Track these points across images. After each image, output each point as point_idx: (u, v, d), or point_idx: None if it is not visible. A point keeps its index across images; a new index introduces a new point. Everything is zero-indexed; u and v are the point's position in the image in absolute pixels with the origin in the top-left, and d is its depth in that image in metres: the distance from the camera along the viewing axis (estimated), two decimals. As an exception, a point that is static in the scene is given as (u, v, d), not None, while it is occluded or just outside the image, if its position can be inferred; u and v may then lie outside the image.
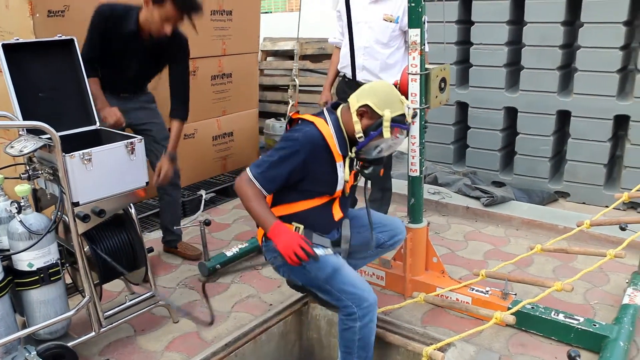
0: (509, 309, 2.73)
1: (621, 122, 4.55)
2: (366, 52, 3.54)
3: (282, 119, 5.87)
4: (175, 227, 3.57)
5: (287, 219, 2.38)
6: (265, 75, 6.88)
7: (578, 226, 3.09)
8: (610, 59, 4.33)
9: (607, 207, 3.51)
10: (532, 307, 2.76)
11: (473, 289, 2.95)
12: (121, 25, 3.05)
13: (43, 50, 2.73)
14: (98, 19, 3.07)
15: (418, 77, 2.86)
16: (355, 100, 2.36)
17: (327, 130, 2.35)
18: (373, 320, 2.38)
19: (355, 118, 2.33)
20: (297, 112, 2.56)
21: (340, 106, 2.47)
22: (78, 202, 2.40)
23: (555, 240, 3.12)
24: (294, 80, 3.44)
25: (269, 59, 7.04)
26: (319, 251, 2.36)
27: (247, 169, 2.34)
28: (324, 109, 2.46)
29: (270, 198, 2.45)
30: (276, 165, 2.31)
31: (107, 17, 3.05)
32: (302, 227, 2.41)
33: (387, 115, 2.29)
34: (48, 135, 2.36)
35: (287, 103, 6.67)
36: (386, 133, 2.31)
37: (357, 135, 2.34)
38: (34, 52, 2.70)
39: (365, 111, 2.33)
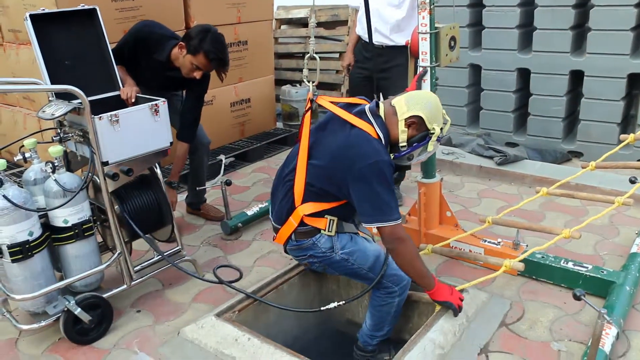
0: (519, 259, 2.84)
1: (635, 81, 4.57)
2: (376, 14, 3.60)
3: (297, 84, 5.96)
4: (198, 188, 3.72)
5: (319, 214, 2.32)
6: (280, 43, 6.95)
7: (583, 168, 3.16)
8: (624, 16, 4.34)
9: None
10: (542, 257, 2.87)
11: (485, 241, 3.06)
12: (151, 51, 3.19)
13: (67, 20, 2.83)
14: (134, 37, 3.23)
15: (428, 36, 2.93)
16: (406, 107, 2.27)
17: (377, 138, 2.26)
18: (407, 293, 2.51)
19: (403, 127, 2.26)
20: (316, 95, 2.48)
21: (382, 108, 2.33)
22: (107, 161, 2.55)
23: (560, 183, 3.18)
24: (314, 57, 3.39)
25: (283, 27, 7.09)
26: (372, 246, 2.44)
27: (378, 224, 2.19)
28: (367, 109, 2.31)
29: (301, 195, 2.31)
30: (392, 193, 2.21)
31: (141, 40, 3.20)
32: (335, 219, 2.33)
33: (438, 131, 2.28)
34: (77, 100, 2.50)
35: (301, 70, 6.77)
36: (431, 147, 2.30)
37: (401, 145, 2.28)
38: (59, 22, 2.80)
39: (415, 122, 2.26)
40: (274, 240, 2.49)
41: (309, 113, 2.44)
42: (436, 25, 2.95)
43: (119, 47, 3.23)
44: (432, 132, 2.29)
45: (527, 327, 2.55)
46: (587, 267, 2.76)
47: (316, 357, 2.39)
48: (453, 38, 3.06)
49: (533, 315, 2.63)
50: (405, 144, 2.28)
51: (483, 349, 2.41)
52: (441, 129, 2.32)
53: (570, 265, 2.79)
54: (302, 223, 2.33)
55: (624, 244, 3.24)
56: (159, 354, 2.48)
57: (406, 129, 2.27)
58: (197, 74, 3.12)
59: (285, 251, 2.53)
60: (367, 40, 3.59)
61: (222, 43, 3.10)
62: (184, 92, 3.50)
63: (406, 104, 2.28)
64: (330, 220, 2.32)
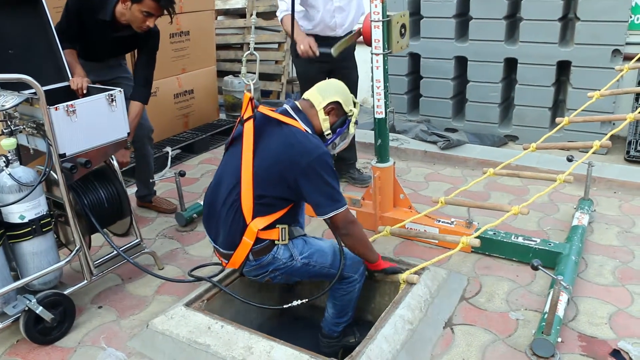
0: (473, 236, 2.98)
1: (563, 68, 4.86)
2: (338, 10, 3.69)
3: (239, 75, 5.91)
4: (151, 180, 3.65)
5: (271, 225, 2.28)
6: (217, 34, 6.84)
7: (524, 149, 3.34)
8: (552, 7, 4.60)
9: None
10: (494, 233, 3.03)
11: (439, 221, 3.19)
12: (95, 12, 3.07)
13: (10, 8, 2.71)
14: (73, 0, 3.09)
15: (380, 23, 3.01)
16: (321, 97, 2.37)
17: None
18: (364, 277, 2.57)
19: (323, 116, 2.36)
20: (253, 99, 2.35)
21: (298, 103, 2.41)
22: (65, 153, 2.46)
23: (504, 164, 3.36)
24: (253, 54, 3.29)
25: (220, 18, 7.00)
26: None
27: (332, 213, 2.23)
28: (287, 107, 2.37)
29: (251, 211, 2.24)
30: (337, 179, 2.30)
31: (83, 1, 3.07)
32: (286, 226, 2.32)
33: (356, 111, 2.44)
34: (28, 90, 2.40)
35: (240, 61, 6.71)
36: (352, 128, 2.46)
37: (326, 133, 2.37)
38: (1, 10, 2.68)
39: (334, 108, 2.38)
40: (225, 266, 2.42)
41: (251, 122, 2.31)
42: (387, 13, 3.04)
43: (64, 20, 3.10)
44: (350, 114, 2.43)
45: (486, 300, 2.69)
46: (535, 241, 2.94)
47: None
48: (403, 25, 3.17)
49: (489, 288, 2.78)
50: (329, 131, 2.39)
51: (447, 322, 2.53)
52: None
53: (520, 239, 2.97)
54: (257, 240, 2.27)
55: (564, 219, 3.47)
56: (128, 348, 2.44)
57: (327, 117, 2.37)
58: (150, 22, 3.01)
59: (241, 274, 2.46)
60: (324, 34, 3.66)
61: None
62: (135, 59, 3.41)
63: (320, 94, 2.39)
64: (282, 228, 2.30)
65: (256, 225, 2.25)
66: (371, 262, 2.54)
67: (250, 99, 2.33)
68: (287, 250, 2.33)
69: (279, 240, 2.30)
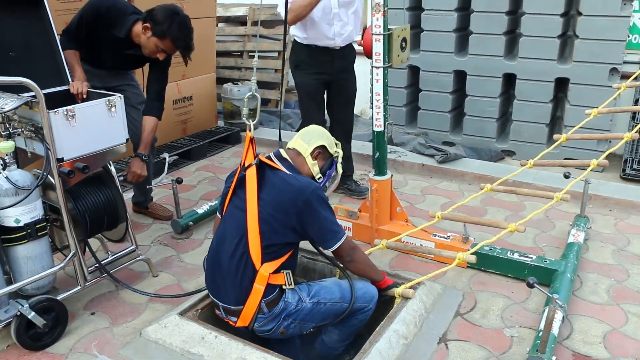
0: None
1: (561, 85, 4.89)
2: (336, 17, 3.67)
3: (239, 83, 5.92)
4: (148, 186, 3.63)
5: (277, 270, 2.26)
6: (217, 41, 6.85)
7: (522, 166, 3.35)
8: (551, 24, 4.63)
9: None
10: (490, 249, 3.03)
11: (435, 235, 3.19)
12: (111, 27, 3.08)
13: (11, 9, 2.71)
14: (91, 10, 3.08)
15: (382, 37, 3.02)
16: (306, 144, 2.41)
17: None
18: None
19: (311, 161, 2.40)
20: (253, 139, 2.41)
21: (283, 153, 2.43)
22: (62, 158, 2.45)
23: (502, 179, 3.37)
24: (255, 94, 3.21)
25: (220, 25, 7.02)
26: None
27: (337, 244, 2.30)
28: (272, 156, 2.40)
29: (259, 257, 2.22)
30: (332, 210, 2.34)
31: (101, 14, 3.07)
32: (290, 271, 2.31)
33: (340, 151, 2.51)
34: (27, 93, 2.39)
35: (240, 69, 6.74)
36: (340, 168, 2.52)
37: (317, 177, 2.41)
38: (2, 11, 2.67)
39: (320, 152, 2.44)
40: (235, 325, 2.32)
41: (254, 170, 2.30)
42: (388, 27, 3.05)
43: (75, 24, 3.10)
44: (335, 155, 2.51)
45: (480, 316, 2.69)
46: (531, 258, 2.94)
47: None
48: (404, 39, 3.18)
49: (484, 304, 2.78)
50: (320, 174, 2.43)
51: (442, 337, 2.52)
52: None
53: (516, 256, 2.97)
54: (267, 287, 2.23)
55: (559, 236, 3.47)
56: (120, 356, 2.42)
57: (315, 161, 2.42)
58: (161, 56, 3.05)
59: (252, 330, 2.32)
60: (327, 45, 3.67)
61: (189, 28, 3.04)
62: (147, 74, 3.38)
63: (304, 141, 2.44)
64: (286, 273, 2.29)
65: (266, 269, 2.23)
66: (377, 281, 2.58)
67: (251, 139, 2.37)
68: (295, 294, 2.32)
69: (286, 285, 2.28)
